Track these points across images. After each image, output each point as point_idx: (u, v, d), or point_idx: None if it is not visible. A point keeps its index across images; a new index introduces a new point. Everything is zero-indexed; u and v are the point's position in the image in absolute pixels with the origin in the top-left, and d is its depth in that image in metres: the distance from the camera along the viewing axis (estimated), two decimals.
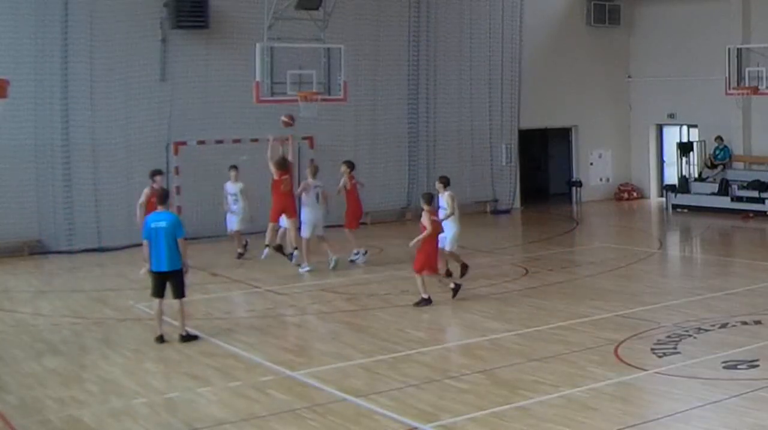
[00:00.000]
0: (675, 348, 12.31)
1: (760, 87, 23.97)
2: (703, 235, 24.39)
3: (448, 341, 13.28)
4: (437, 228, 15.48)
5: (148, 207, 16.73)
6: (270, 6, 19.60)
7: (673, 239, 24.21)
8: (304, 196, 18.46)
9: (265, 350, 12.84)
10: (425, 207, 15.37)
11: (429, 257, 15.24)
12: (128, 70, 22.18)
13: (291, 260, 18.19)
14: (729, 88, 24.53)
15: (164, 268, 13.04)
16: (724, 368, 11.34)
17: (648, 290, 16.60)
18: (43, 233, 21.38)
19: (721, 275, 18.18)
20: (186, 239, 13.28)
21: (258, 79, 19.36)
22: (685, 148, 28.43)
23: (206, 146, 23.06)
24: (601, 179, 30.60)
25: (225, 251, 20.12)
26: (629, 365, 11.61)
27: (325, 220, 18.82)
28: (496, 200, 27.84)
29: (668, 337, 12.86)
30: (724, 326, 13.47)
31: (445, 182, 17.02)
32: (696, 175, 28.19)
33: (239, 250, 19.75)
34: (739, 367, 11.33)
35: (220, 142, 23.20)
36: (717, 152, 27.74)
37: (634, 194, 30.43)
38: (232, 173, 19.92)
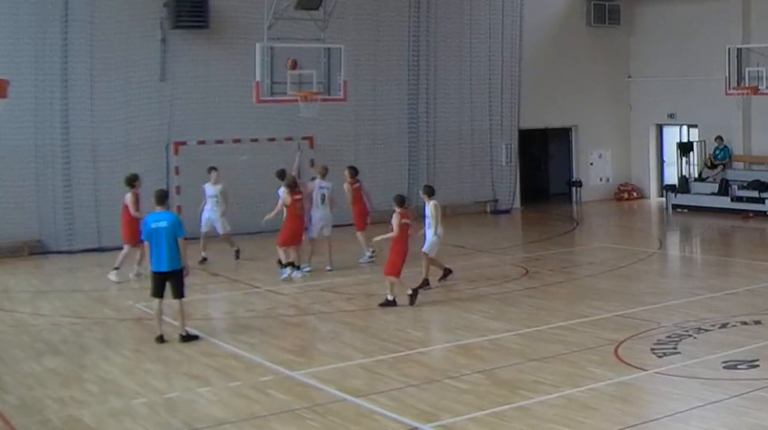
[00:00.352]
0: (675, 348, 12.31)
1: (760, 87, 23.96)
2: (703, 235, 24.39)
3: (448, 341, 13.27)
4: (404, 231, 15.22)
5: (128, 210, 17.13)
6: (270, 6, 19.60)
7: (673, 239, 24.20)
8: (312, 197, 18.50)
9: (265, 350, 12.84)
10: (396, 209, 15.25)
11: (392, 263, 15.13)
12: (128, 70, 22.19)
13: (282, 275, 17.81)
14: (729, 88, 24.52)
15: (164, 268, 13.03)
16: (724, 368, 11.34)
17: (648, 290, 16.59)
18: (43, 233, 21.39)
19: (721, 275, 18.18)
20: (186, 239, 13.28)
21: (258, 79, 19.35)
22: (685, 148, 28.43)
23: (206, 146, 23.06)
24: (601, 179, 30.60)
25: (225, 251, 20.11)
26: (629, 365, 11.61)
27: (331, 221, 18.77)
28: (496, 200, 27.84)
29: (668, 337, 12.86)
30: (724, 326, 13.47)
31: (429, 192, 16.74)
32: (696, 175, 28.18)
33: (235, 248, 19.72)
34: (739, 367, 11.33)
35: (220, 142, 23.21)
36: (717, 152, 27.74)
37: (634, 194, 30.43)
38: (213, 175, 19.55)
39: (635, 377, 11.17)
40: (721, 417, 9.64)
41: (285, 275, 17.43)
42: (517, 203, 28.41)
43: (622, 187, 30.60)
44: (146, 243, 13.18)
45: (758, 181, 26.14)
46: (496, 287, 16.71)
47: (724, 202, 26.46)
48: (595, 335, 13.09)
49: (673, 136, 30.20)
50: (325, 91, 20.18)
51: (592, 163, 30.43)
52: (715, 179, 27.33)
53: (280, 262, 18.03)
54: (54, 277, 18.88)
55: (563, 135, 30.62)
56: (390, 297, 15.13)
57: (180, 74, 22.79)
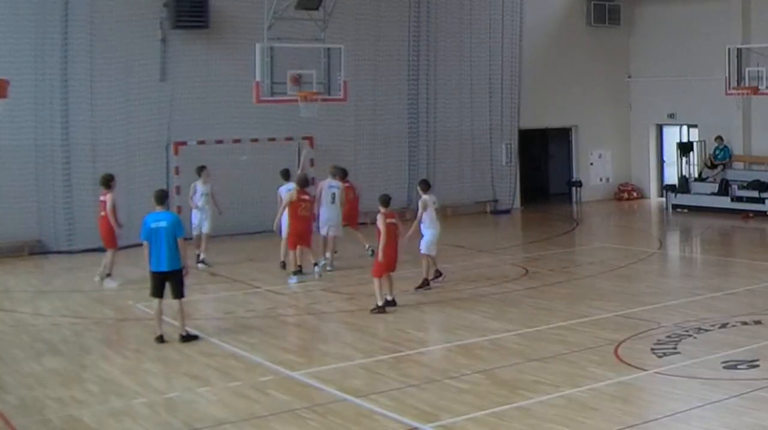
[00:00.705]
0: (675, 348, 12.31)
1: (760, 87, 23.95)
2: (703, 235, 24.40)
3: (448, 341, 13.27)
4: (391, 232, 14.92)
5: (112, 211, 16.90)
6: (270, 6, 19.60)
7: (673, 239, 24.21)
8: (321, 196, 18.44)
9: (265, 350, 12.84)
10: (381, 209, 15.01)
11: (377, 264, 14.92)
12: (128, 70, 22.19)
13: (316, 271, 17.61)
14: (729, 88, 24.51)
15: (164, 268, 13.03)
16: (724, 368, 11.34)
17: (648, 290, 16.60)
18: (43, 233, 21.39)
19: (721, 275, 18.19)
20: (186, 239, 13.28)
21: (258, 79, 19.36)
22: (685, 148, 28.43)
23: (206, 146, 23.05)
24: (601, 179, 30.61)
25: (226, 251, 20.12)
26: (629, 365, 11.61)
27: (339, 221, 18.69)
28: (496, 200, 27.84)
29: (668, 337, 12.86)
30: (724, 326, 13.47)
31: (423, 187, 16.80)
32: (696, 175, 28.19)
33: (202, 254, 19.12)
34: (739, 367, 11.33)
35: (220, 142, 23.20)
36: (717, 152, 27.74)
37: (634, 194, 30.43)
38: (203, 173, 19.23)
39: (635, 377, 11.17)
40: (721, 417, 9.64)
41: (293, 282, 17.08)
42: (517, 203, 28.41)
43: (622, 187, 30.60)
44: (146, 243, 13.16)
45: (758, 181, 26.14)
46: (496, 287, 16.71)
47: (724, 202, 26.46)
48: (595, 335, 13.09)
49: (673, 136, 30.21)
50: (325, 91, 20.19)
51: (592, 163, 30.43)
52: (715, 179, 27.33)
53: (283, 264, 18.00)
54: (54, 277, 18.87)
55: (563, 135, 30.62)
56: (379, 302, 14.82)
57: (180, 74, 22.78)
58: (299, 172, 19.45)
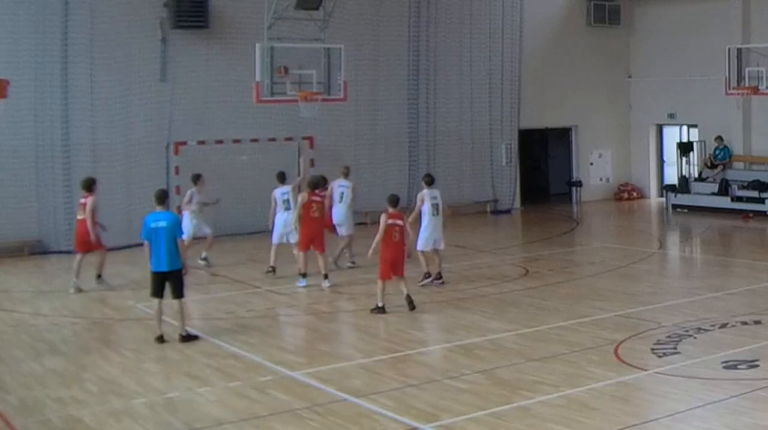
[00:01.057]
0: (675, 348, 12.31)
1: (760, 87, 23.94)
2: (703, 235, 24.40)
3: (448, 341, 13.27)
4: (389, 233, 14.81)
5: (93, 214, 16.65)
6: (270, 6, 19.61)
7: (673, 239, 24.21)
8: (333, 194, 18.52)
9: (265, 350, 12.84)
10: (388, 209, 15.03)
11: (380, 267, 14.85)
12: (128, 70, 22.19)
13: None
14: (729, 88, 24.51)
15: (164, 268, 13.03)
16: (724, 368, 11.34)
17: (648, 290, 16.60)
18: (43, 233, 21.39)
19: (721, 275, 18.19)
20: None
21: (258, 79, 19.36)
22: (685, 148, 28.43)
23: (206, 146, 23.06)
24: (601, 179, 30.61)
25: (226, 251, 20.13)
26: (629, 365, 11.60)
27: (347, 219, 18.75)
28: (496, 200, 27.84)
29: (668, 337, 12.86)
30: (724, 326, 13.47)
31: (427, 181, 16.96)
32: (696, 175, 28.19)
33: (204, 252, 19.21)
34: (739, 367, 11.33)
35: (220, 142, 23.21)
36: (717, 152, 27.74)
37: (634, 194, 30.43)
38: (199, 182, 18.98)
39: (635, 377, 11.17)
40: (720, 417, 9.64)
41: (302, 285, 16.77)
42: (517, 203, 28.42)
43: (622, 187, 30.60)
44: (146, 242, 13.16)
45: (758, 181, 26.14)
46: (496, 287, 16.71)
47: (724, 202, 26.46)
48: (595, 335, 13.08)
49: (673, 136, 30.21)
50: (325, 91, 20.19)
51: (592, 163, 30.43)
52: (715, 179, 27.33)
53: (272, 269, 17.90)
54: (54, 277, 18.86)
55: (563, 135, 30.62)
56: (380, 303, 14.74)
57: (180, 74, 22.78)
58: (299, 178, 19.37)
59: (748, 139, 27.69)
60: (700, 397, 10.28)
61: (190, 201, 18.92)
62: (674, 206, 27.41)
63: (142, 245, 13.42)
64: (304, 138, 24.16)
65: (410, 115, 26.35)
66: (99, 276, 17.17)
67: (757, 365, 11.36)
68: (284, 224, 17.81)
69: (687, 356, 11.89)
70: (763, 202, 25.46)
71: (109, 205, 21.59)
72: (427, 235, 16.69)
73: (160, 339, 13.15)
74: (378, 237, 14.79)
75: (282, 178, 18.46)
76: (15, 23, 20.99)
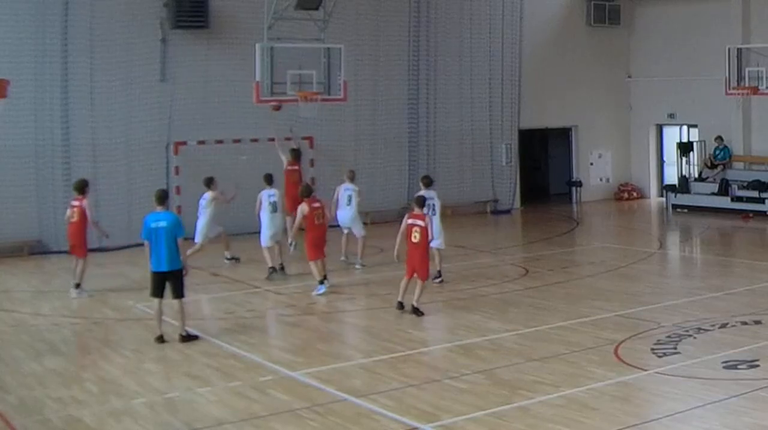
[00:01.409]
0: (675, 348, 12.31)
1: (760, 87, 23.94)
2: (703, 235, 24.40)
3: (448, 341, 13.27)
4: (409, 231, 14.76)
5: (85, 218, 16.45)
6: (270, 6, 19.61)
7: (673, 239, 24.21)
8: (339, 198, 18.55)
9: (265, 350, 12.85)
10: (413, 208, 15.03)
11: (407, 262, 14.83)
12: (128, 70, 22.18)
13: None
14: (729, 88, 24.51)
15: (164, 268, 13.03)
16: (724, 368, 11.35)
17: (648, 290, 16.60)
18: (43, 233, 21.38)
19: (721, 275, 18.19)
20: (186, 239, 13.28)
21: (258, 79, 19.37)
22: (685, 148, 28.42)
23: (206, 146, 23.06)
24: (601, 179, 30.60)
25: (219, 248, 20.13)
26: (629, 365, 11.61)
27: (356, 220, 18.84)
28: (496, 200, 27.83)
29: (668, 337, 12.86)
30: (724, 326, 13.47)
31: (426, 182, 17.15)
32: (696, 175, 28.19)
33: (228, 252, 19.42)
34: (739, 367, 11.33)
35: (220, 142, 23.21)
36: (717, 152, 27.74)
37: (634, 194, 30.43)
38: (213, 185, 18.96)
39: (635, 377, 11.17)
40: (720, 417, 9.64)
41: (321, 292, 16.34)
42: (517, 203, 28.41)
43: (622, 187, 30.59)
44: (146, 242, 13.16)
45: (758, 181, 26.14)
46: (496, 287, 16.71)
47: (724, 202, 26.46)
48: (595, 335, 13.09)
49: (673, 136, 30.20)
50: (325, 91, 20.21)
51: (592, 163, 30.42)
52: (715, 179, 27.33)
53: (273, 269, 17.85)
54: (54, 277, 18.86)
55: (563, 135, 30.61)
56: (415, 303, 14.66)
57: (180, 74, 22.78)
58: (302, 185, 19.24)
59: (748, 139, 27.69)
60: (700, 397, 10.28)
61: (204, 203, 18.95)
62: (674, 206, 27.41)
63: (142, 245, 13.43)
64: (304, 138, 24.15)
65: (410, 115, 26.35)
66: (78, 285, 16.58)
67: (757, 365, 11.37)
68: (269, 225, 17.83)
69: (687, 356, 11.89)
70: (763, 202, 25.46)
71: (109, 205, 21.68)
72: (437, 234, 16.72)
73: (160, 339, 13.16)
74: (398, 237, 14.83)
75: (269, 180, 18.38)
76: (15, 23, 20.98)
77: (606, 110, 30.22)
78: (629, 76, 30.65)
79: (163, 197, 13.46)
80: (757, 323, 13.58)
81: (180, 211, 20.65)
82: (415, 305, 14.57)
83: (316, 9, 20.27)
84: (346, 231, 18.93)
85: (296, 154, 20.45)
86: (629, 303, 15.14)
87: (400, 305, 14.71)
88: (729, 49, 24.60)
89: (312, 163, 23.90)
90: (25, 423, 9.97)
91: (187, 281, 13.54)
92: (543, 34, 28.76)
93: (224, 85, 22.94)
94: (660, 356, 11.97)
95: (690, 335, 12.94)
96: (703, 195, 27.11)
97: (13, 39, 20.87)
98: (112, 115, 22.10)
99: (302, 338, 13.88)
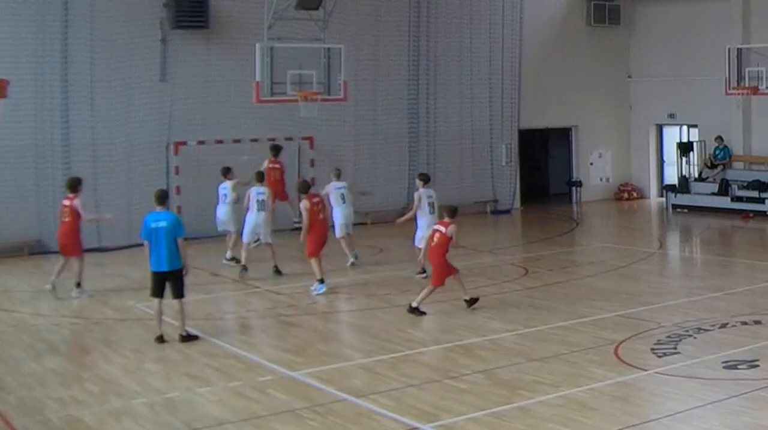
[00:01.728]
0: (675, 348, 12.31)
1: (760, 87, 23.94)
2: (703, 235, 24.40)
3: (448, 341, 13.26)
4: (432, 237, 14.84)
5: (77, 217, 16.32)
6: (270, 6, 19.61)
7: (673, 239, 24.21)
8: (331, 198, 18.42)
9: (265, 350, 12.85)
10: (444, 216, 15.01)
11: (434, 272, 14.90)
12: (128, 70, 22.18)
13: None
14: (729, 88, 24.51)
15: (164, 268, 13.03)
16: (724, 368, 11.35)
17: (648, 290, 16.59)
18: (43, 233, 21.36)
19: (721, 275, 18.19)
20: (186, 239, 13.28)
21: (258, 79, 19.37)
22: (685, 148, 28.42)
23: (206, 146, 23.06)
24: (601, 179, 30.59)
25: (225, 251, 20.10)
26: (629, 365, 11.61)
27: (352, 218, 18.93)
28: (496, 200, 27.83)
29: (668, 337, 12.87)
30: (724, 326, 13.47)
31: (423, 179, 17.36)
32: (696, 175, 28.19)
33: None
34: (739, 367, 11.33)
35: (220, 142, 23.21)
36: (717, 152, 27.74)
37: (634, 194, 30.42)
38: (230, 174, 19.25)
39: (635, 377, 11.17)
40: (721, 417, 9.64)
41: (321, 291, 16.32)
42: (517, 203, 28.41)
43: (622, 188, 30.59)
44: (146, 242, 13.16)
45: (758, 181, 26.14)
46: (496, 287, 16.71)
47: (724, 202, 26.46)
48: (595, 335, 13.09)
49: (673, 136, 30.20)
50: (325, 91, 20.21)
51: (592, 163, 30.41)
52: (715, 179, 27.33)
53: (276, 269, 17.86)
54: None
55: (563, 135, 30.61)
56: (414, 304, 14.66)
57: (180, 74, 22.78)
58: (299, 182, 19.27)
59: (748, 139, 27.69)
60: (700, 397, 10.28)
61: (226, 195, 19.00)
62: (674, 206, 27.41)
63: (142, 245, 13.42)
64: (304, 138, 24.16)
65: (410, 115, 26.35)
66: (78, 284, 16.57)
67: (757, 365, 11.37)
68: (255, 224, 17.82)
69: (687, 356, 11.89)
70: (763, 202, 25.46)
71: (109, 205, 21.63)
72: (423, 233, 16.84)
73: (160, 339, 13.16)
74: (424, 242, 15.14)
75: (260, 177, 18.35)
76: (15, 23, 20.99)
77: (606, 110, 30.22)
78: (629, 76, 30.65)
79: (163, 197, 13.45)
80: (757, 323, 13.58)
81: (180, 211, 20.68)
82: (414, 305, 14.57)
83: (316, 9, 20.27)
84: (346, 231, 18.77)
85: (276, 151, 20.33)
86: (629, 303, 15.14)
87: (471, 301, 14.82)
88: (729, 49, 24.60)
89: (312, 163, 23.90)
90: (25, 423, 9.97)
91: (187, 280, 13.53)
92: (543, 34, 28.75)
93: (224, 85, 22.95)
94: (660, 356, 11.97)
95: (690, 335, 12.94)
96: (703, 195, 27.11)
97: (13, 39, 20.87)
98: (112, 115, 22.10)
99: (302, 338, 13.88)
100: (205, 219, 21.29)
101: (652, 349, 12.30)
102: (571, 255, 21.14)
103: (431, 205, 16.99)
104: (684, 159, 28.25)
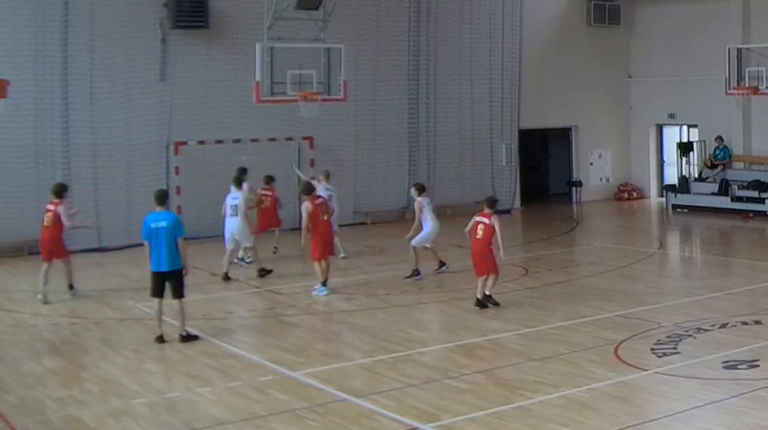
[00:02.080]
0: (675, 348, 12.31)
1: (760, 87, 23.93)
2: (703, 235, 24.40)
3: (448, 341, 13.27)
4: (472, 227, 15.17)
5: (61, 222, 16.13)
6: (270, 6, 19.62)
7: (673, 239, 24.20)
8: None
9: (265, 350, 12.85)
10: (484, 208, 15.30)
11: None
12: (128, 70, 22.18)
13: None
14: (729, 88, 24.51)
15: (164, 268, 13.02)
16: (724, 368, 11.34)
17: (648, 290, 16.59)
18: None
19: (721, 275, 18.19)
20: (186, 239, 13.28)
21: (258, 79, 19.37)
22: (685, 148, 28.43)
23: (206, 146, 23.07)
24: (601, 179, 30.60)
25: (225, 251, 20.09)
26: (629, 365, 11.61)
27: (338, 218, 19.12)
28: (496, 200, 27.76)
29: (668, 337, 12.86)
30: (724, 326, 13.47)
31: (419, 188, 17.51)
32: (696, 175, 28.19)
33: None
34: (739, 367, 11.33)
35: (220, 142, 23.21)
36: (717, 152, 27.74)
37: (634, 194, 30.43)
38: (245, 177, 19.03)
39: (635, 377, 11.17)
40: (721, 417, 9.64)
41: (322, 293, 16.25)
42: (517, 203, 28.41)
43: (622, 188, 30.59)
44: (146, 243, 13.16)
45: (758, 181, 26.14)
46: (496, 287, 16.65)
47: (724, 202, 26.46)
48: (595, 335, 13.09)
49: (673, 136, 30.20)
50: (325, 91, 20.22)
51: (592, 163, 30.42)
52: (715, 179, 27.33)
53: (263, 272, 17.87)
54: (54, 277, 18.78)
55: (563, 135, 30.62)
56: (479, 295, 14.98)
57: (180, 74, 22.78)
58: (303, 183, 19.27)
59: (748, 139, 27.69)
60: (700, 397, 10.28)
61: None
62: (674, 206, 27.41)
63: (142, 245, 13.41)
64: (304, 138, 24.16)
65: (410, 115, 26.34)
66: (71, 286, 16.52)
67: (757, 365, 11.37)
68: (230, 230, 17.77)
69: (687, 356, 11.89)
70: (763, 202, 25.46)
71: (109, 205, 21.69)
72: (426, 235, 17.27)
73: (160, 339, 13.16)
74: (467, 235, 15.29)
75: (238, 183, 18.08)
76: (15, 23, 20.99)
77: (606, 110, 30.22)
78: (629, 76, 30.65)
79: (162, 197, 13.44)
80: (757, 323, 13.58)
81: (180, 211, 20.69)
82: (488, 292, 14.91)
83: (316, 9, 20.28)
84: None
85: (268, 180, 20.05)
86: (629, 303, 15.14)
87: (479, 303, 14.88)
88: (729, 49, 24.60)
89: (312, 163, 23.90)
90: (25, 423, 9.97)
91: (187, 281, 13.53)
92: (543, 34, 28.76)
93: (224, 85, 22.95)
94: (660, 356, 11.97)
95: (690, 335, 12.94)
96: (703, 195, 27.11)
97: (13, 39, 20.87)
98: (112, 115, 22.10)
99: (302, 338, 13.88)
100: (205, 219, 21.37)
101: (652, 349, 12.30)
102: (571, 255, 21.14)
103: (432, 211, 17.45)
104: (684, 159, 28.25)
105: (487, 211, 15.11)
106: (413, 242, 17.30)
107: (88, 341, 13.62)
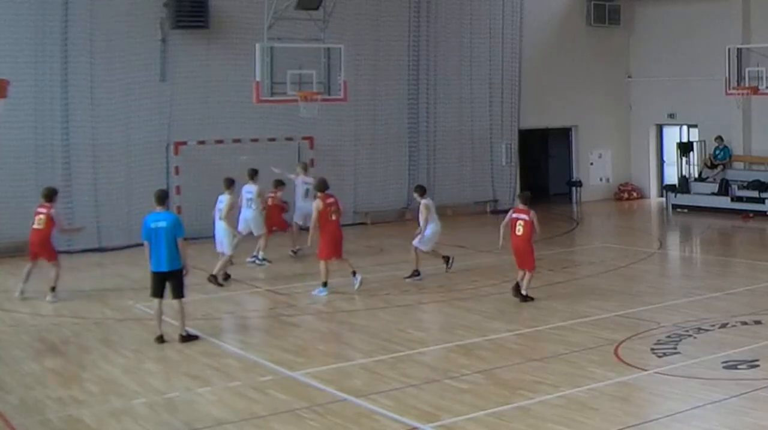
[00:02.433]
0: (675, 348, 12.31)
1: (760, 87, 23.92)
2: (703, 235, 24.39)
3: (448, 341, 13.27)
4: (511, 224, 15.78)
5: (51, 225, 16.20)
6: (270, 6, 19.61)
7: (673, 239, 24.20)
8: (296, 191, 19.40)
9: (265, 350, 12.85)
10: (519, 205, 15.74)
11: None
12: (128, 70, 22.17)
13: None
14: (729, 88, 24.50)
15: (164, 268, 13.02)
16: (724, 368, 11.35)
17: (648, 290, 16.60)
18: None
19: (721, 275, 18.19)
20: (186, 239, 13.27)
21: (258, 79, 19.37)
22: (685, 148, 28.42)
23: (206, 146, 23.07)
24: (601, 179, 30.60)
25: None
26: (629, 365, 11.61)
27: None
28: (496, 200, 27.81)
29: (668, 337, 12.87)
30: (724, 326, 13.47)
31: (420, 191, 17.51)
32: (696, 175, 28.19)
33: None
34: (739, 367, 11.33)
35: (220, 142, 23.21)
36: (717, 152, 27.73)
37: (634, 194, 30.43)
38: (256, 178, 18.99)
39: (635, 377, 11.17)
40: (721, 417, 9.64)
41: (321, 294, 16.20)
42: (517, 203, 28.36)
43: (622, 188, 30.59)
44: (146, 243, 13.16)
45: (758, 181, 26.14)
46: (496, 287, 16.70)
47: (724, 202, 26.46)
48: (595, 335, 13.09)
49: (673, 136, 30.20)
50: (325, 91, 20.21)
51: (592, 163, 30.42)
52: (715, 179, 27.33)
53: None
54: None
55: (563, 135, 30.61)
56: (523, 292, 15.36)
57: (180, 74, 22.77)
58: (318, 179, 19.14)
59: (748, 139, 27.69)
60: (700, 397, 10.28)
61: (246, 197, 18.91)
62: (674, 206, 27.41)
63: (142, 245, 13.41)
64: (304, 138, 24.16)
65: (410, 115, 26.34)
66: (53, 289, 16.36)
67: (757, 365, 11.37)
68: (217, 231, 17.65)
69: (687, 356, 11.89)
70: (763, 202, 25.46)
71: (109, 205, 21.69)
72: (429, 237, 17.28)
73: (160, 339, 13.16)
74: (501, 229, 15.78)
75: (229, 184, 17.68)
76: (15, 23, 20.98)
77: (606, 110, 30.22)
78: (629, 76, 30.65)
79: (162, 197, 13.44)
80: (757, 323, 13.58)
81: (180, 212, 20.68)
82: (524, 292, 15.24)
83: (316, 9, 20.28)
84: (300, 223, 19.59)
85: (277, 184, 20.03)
86: (629, 303, 15.14)
87: (517, 292, 15.29)
88: (729, 49, 24.59)
89: (312, 163, 23.89)
90: (25, 423, 9.97)
91: (187, 281, 13.53)
92: (543, 34, 28.76)
93: (224, 85, 22.95)
94: (660, 356, 11.97)
95: (690, 335, 12.94)
96: (703, 195, 27.11)
97: (13, 39, 20.86)
98: (112, 115, 22.09)
99: (302, 338, 13.87)
100: (205, 219, 21.33)
101: (652, 349, 12.30)
102: (571, 255, 21.14)
103: (436, 211, 17.60)
104: (684, 159, 28.25)
105: (522, 206, 15.55)
106: (417, 244, 17.23)
107: (88, 341, 13.62)
